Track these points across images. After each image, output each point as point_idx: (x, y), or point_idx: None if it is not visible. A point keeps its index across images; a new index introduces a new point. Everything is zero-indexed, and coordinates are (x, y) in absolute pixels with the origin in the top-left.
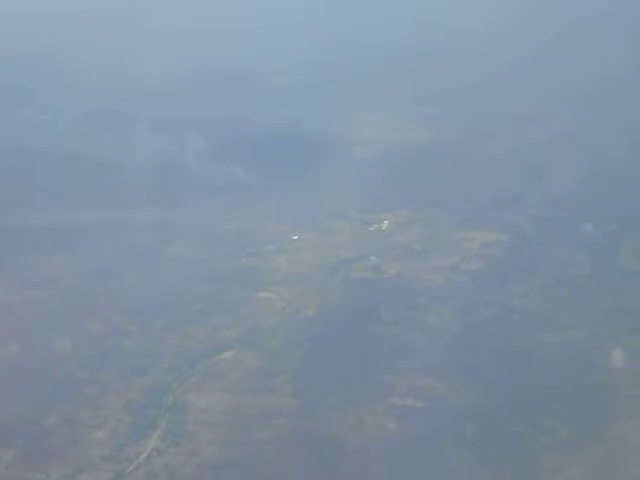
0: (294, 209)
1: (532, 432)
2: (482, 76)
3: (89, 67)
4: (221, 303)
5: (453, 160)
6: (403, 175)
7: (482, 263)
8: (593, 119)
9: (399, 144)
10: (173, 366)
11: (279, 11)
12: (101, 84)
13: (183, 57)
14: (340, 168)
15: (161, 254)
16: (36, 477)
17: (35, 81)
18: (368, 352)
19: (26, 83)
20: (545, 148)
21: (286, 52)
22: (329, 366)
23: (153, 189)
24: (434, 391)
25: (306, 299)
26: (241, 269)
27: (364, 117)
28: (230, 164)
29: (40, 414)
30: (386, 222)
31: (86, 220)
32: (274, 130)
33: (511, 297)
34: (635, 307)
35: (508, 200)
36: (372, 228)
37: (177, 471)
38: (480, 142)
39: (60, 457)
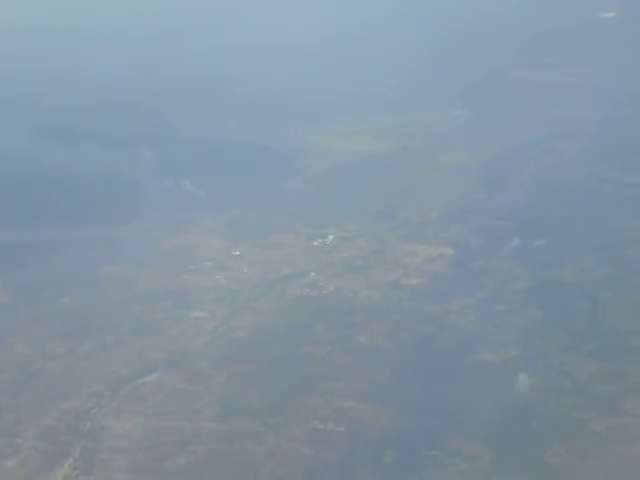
0: (240, 224)
1: (452, 458)
2: (443, 86)
3: (31, 78)
4: (153, 323)
5: (407, 171)
6: (354, 187)
7: (423, 278)
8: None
9: (353, 156)
10: (95, 390)
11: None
12: (44, 96)
13: (131, 66)
14: (291, 181)
15: (99, 273)
16: None
17: None
18: (295, 373)
19: None
20: (503, 160)
21: (245, 65)
22: (254, 389)
23: (96, 205)
24: (357, 414)
25: (239, 318)
26: (178, 287)
27: (318, 129)
28: (178, 178)
29: None
30: (331, 236)
31: (24, 238)
32: (225, 143)
33: (448, 314)
34: (571, 323)
35: (457, 212)
36: (316, 243)
37: None
38: (436, 153)
39: None
